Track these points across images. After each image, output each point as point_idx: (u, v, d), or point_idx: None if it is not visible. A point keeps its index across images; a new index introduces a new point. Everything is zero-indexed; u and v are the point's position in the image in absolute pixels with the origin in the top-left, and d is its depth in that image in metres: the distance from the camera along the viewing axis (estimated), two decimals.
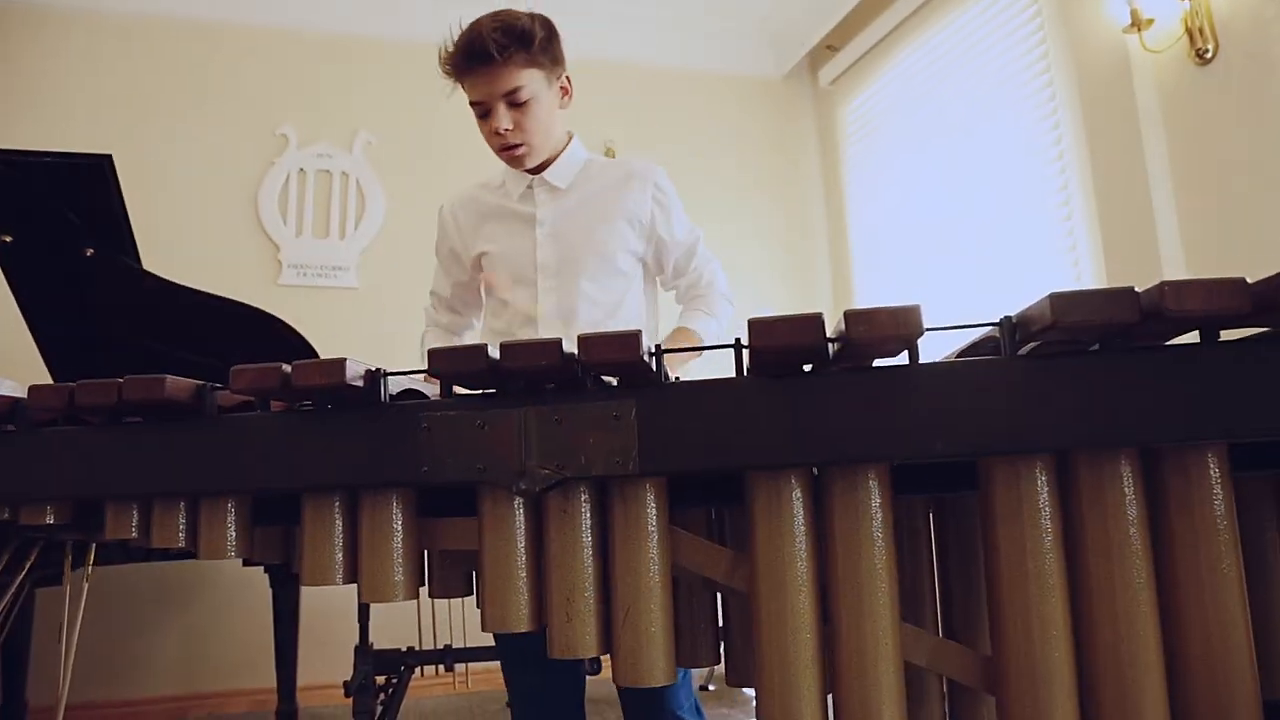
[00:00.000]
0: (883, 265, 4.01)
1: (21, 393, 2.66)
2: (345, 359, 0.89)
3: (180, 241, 3.65)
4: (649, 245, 1.73)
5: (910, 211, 3.78)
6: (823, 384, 0.81)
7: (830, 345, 0.79)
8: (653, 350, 0.86)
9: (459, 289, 1.85)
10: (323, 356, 2.86)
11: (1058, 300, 0.73)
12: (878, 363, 0.85)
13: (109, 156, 2.52)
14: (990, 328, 0.82)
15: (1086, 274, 2.88)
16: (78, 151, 2.52)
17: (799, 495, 0.86)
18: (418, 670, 2.82)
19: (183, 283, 2.89)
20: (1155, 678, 0.78)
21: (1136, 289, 0.73)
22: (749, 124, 4.45)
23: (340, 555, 1.00)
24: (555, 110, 1.66)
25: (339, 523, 0.99)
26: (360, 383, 0.90)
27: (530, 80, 1.57)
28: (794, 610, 0.87)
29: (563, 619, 0.94)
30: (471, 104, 1.62)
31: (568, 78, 1.68)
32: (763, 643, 0.88)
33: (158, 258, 3.16)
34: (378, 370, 0.94)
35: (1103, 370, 0.76)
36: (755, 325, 0.79)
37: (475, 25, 1.56)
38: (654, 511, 0.91)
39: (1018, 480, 0.81)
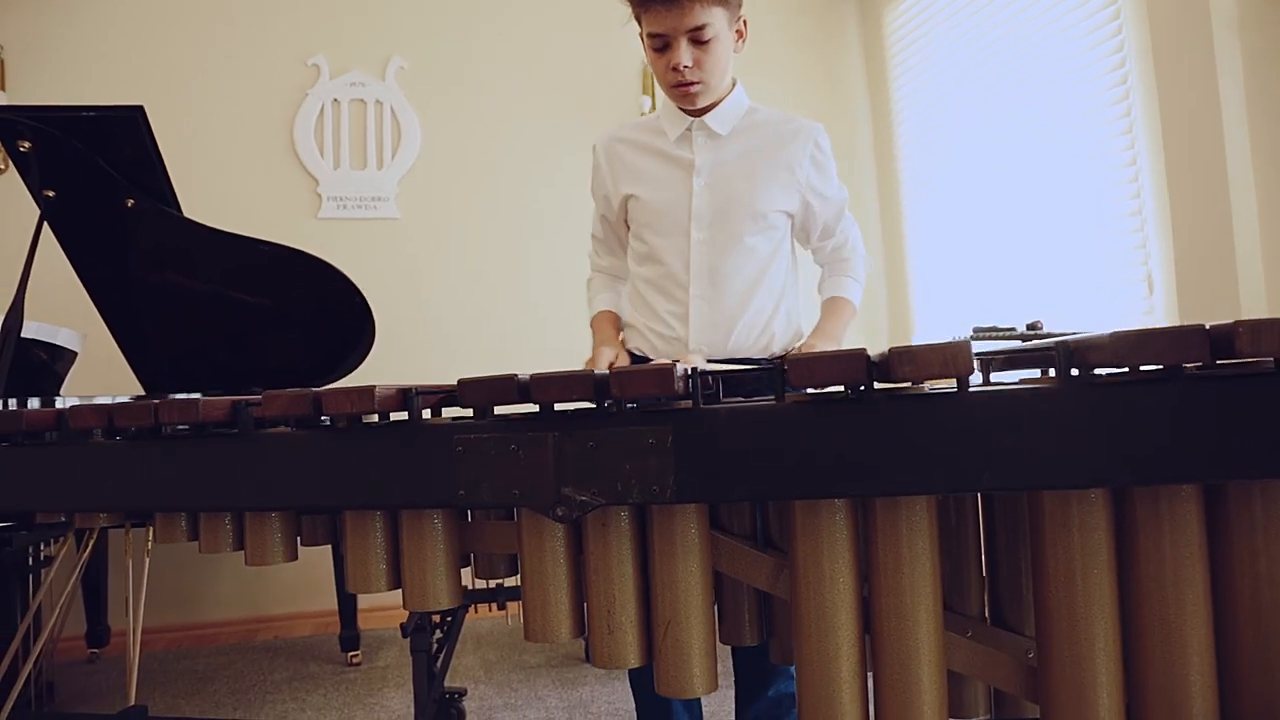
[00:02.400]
0: (933, 197, 3.85)
1: (79, 344, 2.72)
2: (374, 386, 0.87)
3: (219, 181, 3.64)
4: (802, 205, 1.69)
5: (963, 134, 3.60)
6: (866, 411, 0.77)
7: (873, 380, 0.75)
8: (690, 374, 0.83)
9: (611, 230, 1.81)
10: (367, 290, 2.88)
11: (1121, 341, 0.68)
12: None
13: (140, 108, 2.49)
14: (1045, 346, 0.77)
15: (1150, 215, 2.73)
16: (110, 104, 2.50)
17: (842, 519, 0.83)
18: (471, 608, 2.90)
19: (225, 222, 2.88)
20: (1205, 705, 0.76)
21: (1207, 326, 0.68)
22: (786, 39, 4.24)
23: (383, 565, 1.01)
24: (731, 52, 1.60)
25: (380, 535, 0.99)
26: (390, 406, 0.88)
27: (716, 18, 1.52)
28: (835, 628, 0.86)
29: (604, 631, 0.94)
30: (649, 35, 1.56)
31: (744, 20, 1.61)
32: (804, 656, 0.87)
33: (198, 200, 3.16)
34: (409, 389, 0.92)
35: (1166, 401, 0.72)
36: (795, 363, 0.75)
37: None
38: (694, 527, 0.90)
39: (1069, 511, 0.78)
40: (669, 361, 0.79)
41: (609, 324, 1.74)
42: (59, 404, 2.37)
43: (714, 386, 1.62)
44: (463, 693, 2.58)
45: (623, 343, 1.72)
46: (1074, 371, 0.77)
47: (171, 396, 2.59)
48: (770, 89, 4.05)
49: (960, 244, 3.65)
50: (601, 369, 1.55)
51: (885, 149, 4.18)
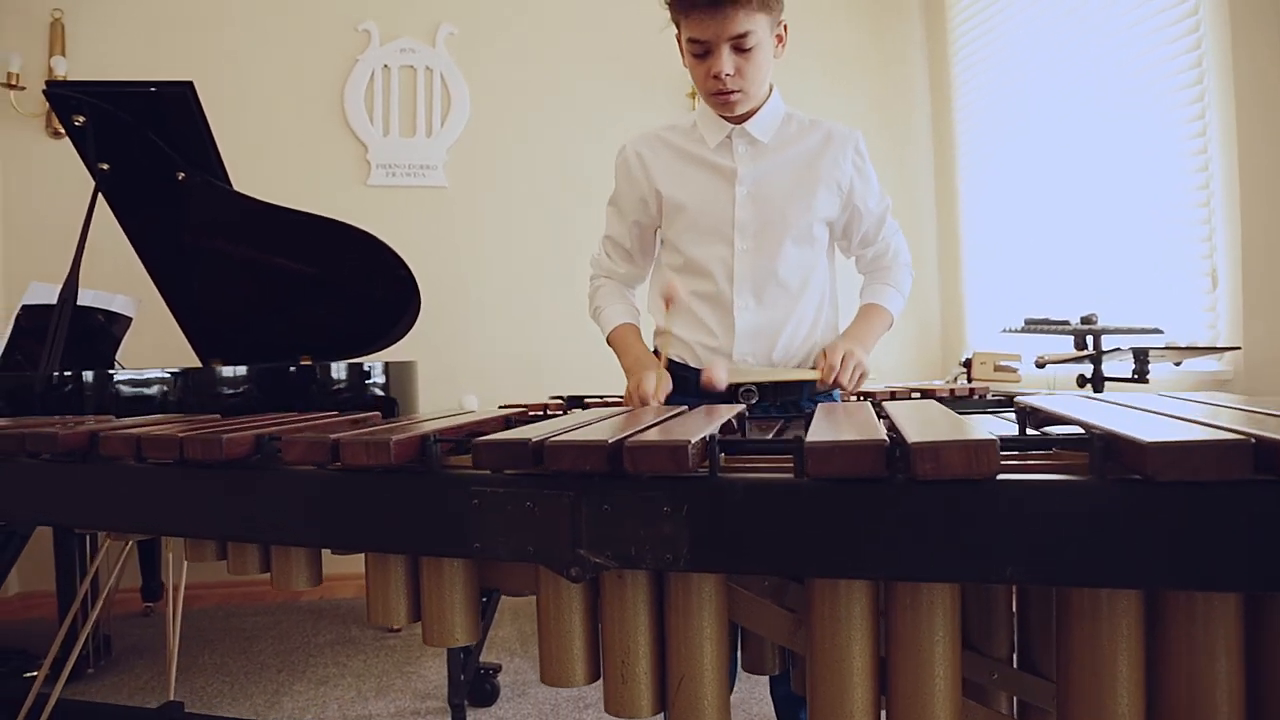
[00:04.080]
0: (989, 182, 3.72)
1: (133, 309, 2.78)
2: (391, 438, 0.87)
3: (270, 148, 3.66)
4: (843, 212, 1.66)
5: (1023, 117, 3.47)
6: (887, 495, 0.75)
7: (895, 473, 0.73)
8: (709, 440, 0.81)
9: (640, 233, 1.77)
10: (414, 257, 2.90)
11: (1156, 452, 0.64)
12: None
13: (190, 84, 2.51)
14: (1080, 437, 0.74)
15: (1218, 206, 2.61)
16: (162, 80, 2.51)
17: (860, 597, 0.81)
18: None
19: (275, 189, 2.92)
20: None
21: (1254, 439, 0.64)
22: (842, 18, 4.09)
23: (403, 601, 1.01)
24: (771, 59, 1.56)
25: (401, 571, 1.00)
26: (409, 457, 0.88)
27: (758, 25, 1.47)
28: (849, 696, 0.84)
29: (618, 680, 0.93)
30: (689, 41, 1.51)
31: (784, 25, 1.56)
32: (818, 714, 0.86)
33: (248, 167, 3.18)
34: (429, 436, 0.92)
35: (1208, 504, 0.68)
36: (813, 450, 0.72)
37: None
38: (711, 582, 0.89)
39: (1098, 601, 0.75)
40: (683, 441, 0.77)
41: (637, 339, 1.71)
42: (115, 370, 2.44)
43: (754, 395, 1.61)
44: (497, 668, 2.63)
45: (655, 353, 1.70)
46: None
47: (218, 367, 2.66)
48: (824, 72, 3.94)
49: (1016, 231, 3.55)
50: (647, 393, 1.53)
51: (943, 132, 4.06)
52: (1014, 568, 0.73)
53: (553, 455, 0.81)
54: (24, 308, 2.65)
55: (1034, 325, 2.68)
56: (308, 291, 3.07)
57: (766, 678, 1.82)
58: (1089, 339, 2.52)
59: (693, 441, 0.77)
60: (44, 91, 2.59)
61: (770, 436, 1.10)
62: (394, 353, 3.19)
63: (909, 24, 4.14)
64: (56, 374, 2.34)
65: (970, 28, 3.81)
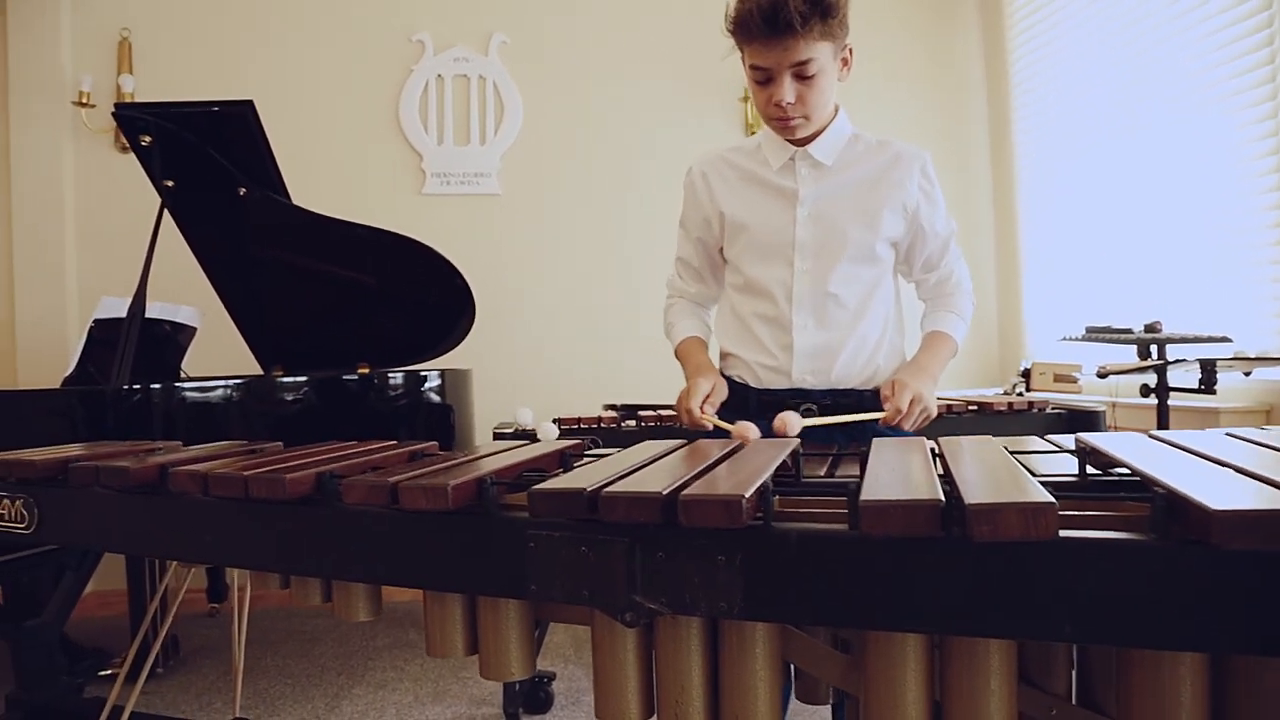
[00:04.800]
0: (1049, 184, 3.63)
1: (198, 320, 2.86)
2: (448, 484, 0.89)
3: (327, 159, 3.73)
4: (907, 235, 1.64)
5: (1084, 118, 3.38)
6: (944, 551, 0.74)
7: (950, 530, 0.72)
8: (763, 491, 0.81)
9: (705, 252, 1.76)
10: (469, 265, 2.95)
11: (1223, 520, 0.63)
12: None
13: (250, 103, 2.57)
14: (1144, 496, 0.73)
15: None
16: (222, 100, 2.57)
17: (914, 643, 0.81)
18: None
19: (331, 198, 2.98)
20: None
21: None
22: (897, 20, 4.03)
23: (460, 635, 1.03)
24: (835, 82, 1.54)
25: (458, 607, 1.02)
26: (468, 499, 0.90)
27: (821, 53, 1.46)
28: None
29: (671, 718, 0.94)
30: (752, 67, 1.51)
31: (849, 49, 1.55)
32: None
33: (305, 177, 3.25)
34: (486, 480, 0.93)
35: (1278, 574, 0.67)
36: (868, 509, 0.72)
37: None
38: (763, 628, 0.89)
39: (1159, 657, 0.74)
40: (737, 492, 0.77)
41: (701, 350, 1.71)
42: (180, 380, 2.51)
43: (815, 412, 1.60)
44: (552, 676, 2.66)
45: (720, 372, 1.70)
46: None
47: (279, 377, 2.72)
48: (879, 73, 3.89)
49: (1077, 234, 3.47)
50: (698, 400, 1.54)
51: (1000, 132, 3.99)
52: (1072, 626, 0.72)
53: (607, 506, 0.81)
54: (96, 321, 2.74)
55: (1095, 334, 2.62)
56: (365, 301, 3.13)
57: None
58: (1153, 348, 2.46)
59: (746, 496, 0.77)
60: (113, 114, 2.67)
61: (824, 473, 1.10)
62: (449, 360, 3.24)
63: (967, 24, 4.08)
64: (126, 386, 2.42)
65: (1030, 25, 3.73)
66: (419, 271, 3.03)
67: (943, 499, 0.72)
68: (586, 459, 1.20)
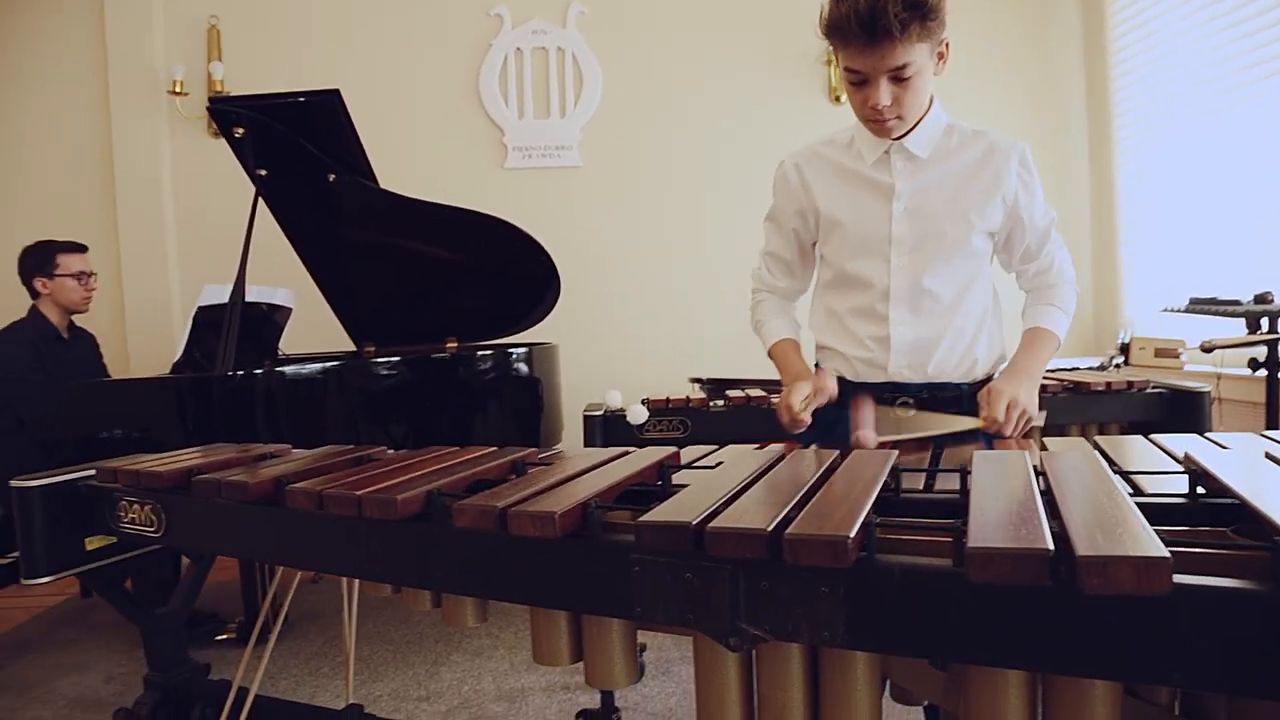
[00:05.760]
0: (1150, 148, 3.46)
1: (293, 301, 2.96)
2: (555, 513, 0.92)
3: (411, 138, 3.79)
4: (1005, 226, 1.60)
5: (1187, 76, 3.21)
6: (1051, 599, 0.74)
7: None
8: (866, 523, 0.82)
9: (799, 245, 1.73)
10: (551, 237, 3.00)
11: None
12: None
13: (336, 91, 2.62)
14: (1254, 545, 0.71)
15: None
16: (310, 90, 2.63)
17: (1017, 685, 0.81)
18: None
19: (416, 177, 3.04)
20: None
21: None
22: None
23: (566, 645, 1.07)
24: (932, 79, 1.50)
25: (563, 621, 1.06)
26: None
27: (918, 55, 1.42)
28: None
29: None
30: (846, 69, 1.47)
31: (946, 43, 1.49)
32: None
33: (392, 158, 3.31)
34: (590, 504, 0.96)
35: None
36: (974, 556, 0.72)
37: None
38: (864, 656, 0.90)
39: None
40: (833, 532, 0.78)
41: (797, 355, 1.69)
42: (278, 359, 2.62)
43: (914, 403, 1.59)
44: (643, 647, 2.72)
45: (817, 367, 1.69)
46: None
47: (375, 359, 2.80)
48: (971, 44, 3.76)
49: (1180, 200, 3.32)
50: (799, 400, 1.54)
51: (1098, 93, 3.82)
52: (1182, 674, 0.71)
53: (713, 541, 0.83)
54: (200, 308, 2.85)
55: (1200, 305, 2.52)
56: (452, 278, 3.19)
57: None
58: (1263, 320, 2.36)
59: (850, 537, 0.78)
60: (207, 108, 2.77)
61: (922, 486, 1.10)
62: (536, 334, 3.29)
63: None
64: (231, 373, 2.53)
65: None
66: (503, 248, 3.08)
67: (1051, 548, 0.72)
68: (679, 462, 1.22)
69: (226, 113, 2.67)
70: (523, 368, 3.09)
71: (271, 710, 1.81)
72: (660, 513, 0.90)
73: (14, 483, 1.40)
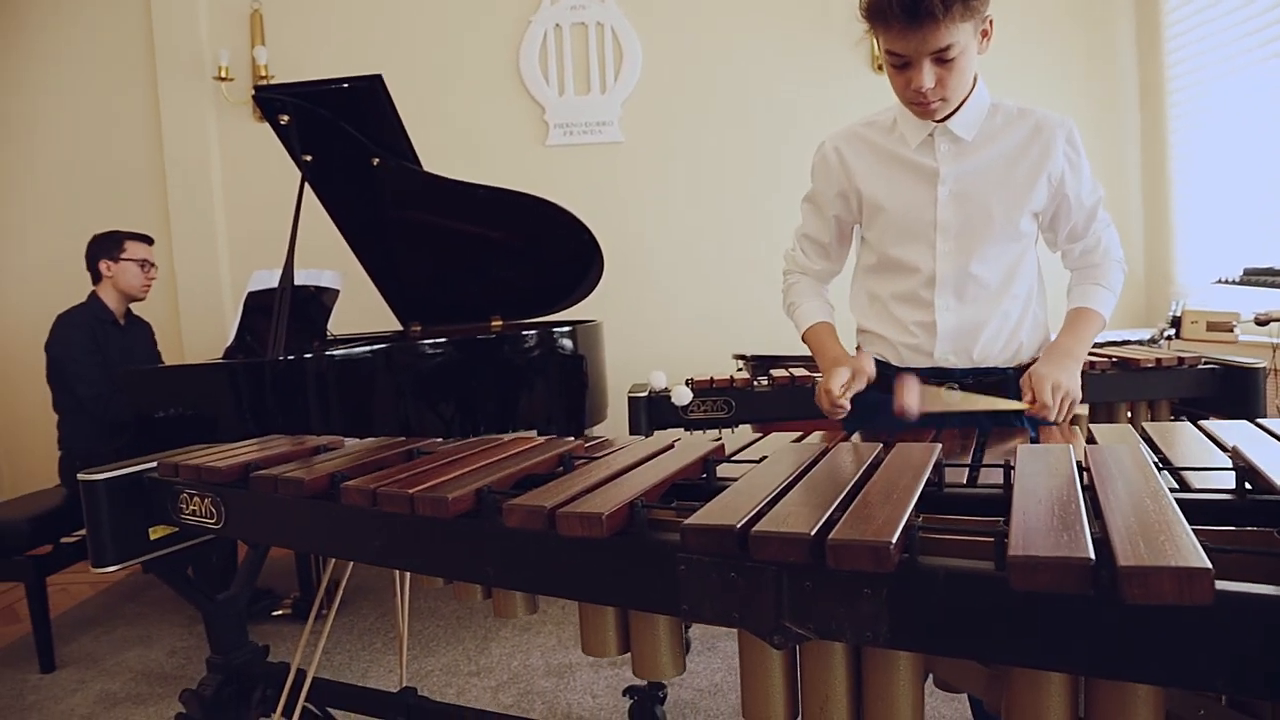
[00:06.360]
0: (1203, 114, 3.36)
1: (339, 282, 3.02)
2: (603, 514, 0.94)
3: (452, 117, 3.81)
4: (1051, 205, 1.58)
5: (1242, 42, 3.11)
6: (1092, 605, 0.75)
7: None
8: (906, 527, 0.84)
9: (839, 228, 1.72)
10: (593, 214, 3.04)
11: None
12: None
13: (378, 77, 2.65)
14: None
15: None
16: (352, 76, 2.66)
17: (1059, 684, 0.82)
18: None
19: (458, 156, 3.07)
20: None
21: None
22: None
23: (614, 637, 1.10)
24: (976, 58, 1.47)
25: (611, 614, 1.08)
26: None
27: (962, 34, 1.39)
28: None
29: None
30: (887, 52, 1.45)
31: (990, 20, 1.45)
32: None
33: (433, 137, 3.34)
34: (637, 503, 0.98)
35: None
36: (1015, 564, 0.73)
37: None
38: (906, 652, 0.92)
39: None
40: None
41: (832, 337, 1.69)
42: (328, 339, 2.68)
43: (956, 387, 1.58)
44: (689, 624, 2.75)
45: (858, 349, 1.69)
46: None
47: (422, 340, 2.85)
48: (1017, 5, 3.68)
49: (1235, 167, 3.23)
50: (838, 385, 1.54)
51: (1150, 57, 3.71)
52: (1224, 681, 0.72)
53: (757, 544, 0.85)
54: (250, 294, 2.92)
55: (1255, 276, 2.47)
56: (496, 257, 3.23)
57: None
58: None
59: (893, 542, 0.79)
60: (253, 97, 2.81)
61: (965, 480, 1.11)
62: (578, 311, 3.32)
63: None
64: (282, 358, 2.59)
65: None
66: (546, 226, 3.11)
67: (1092, 557, 0.72)
68: (727, 464, 1.23)
69: (271, 100, 2.71)
70: (567, 345, 3.12)
71: (328, 692, 1.88)
72: (704, 515, 0.92)
73: (81, 476, 1.46)
